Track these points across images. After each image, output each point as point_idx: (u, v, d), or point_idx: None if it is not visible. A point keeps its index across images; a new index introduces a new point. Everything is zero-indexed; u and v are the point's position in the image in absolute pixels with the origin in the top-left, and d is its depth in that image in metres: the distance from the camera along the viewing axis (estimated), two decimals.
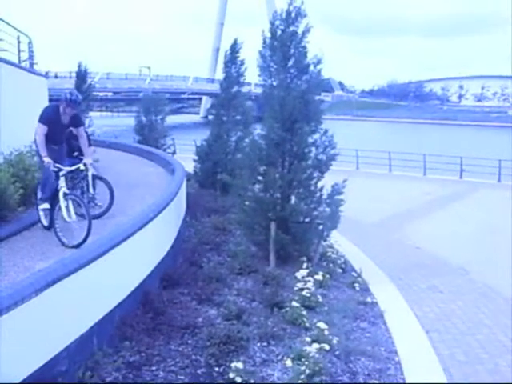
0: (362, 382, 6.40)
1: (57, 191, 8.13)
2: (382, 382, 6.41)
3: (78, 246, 7.56)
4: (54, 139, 8.40)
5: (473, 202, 21.21)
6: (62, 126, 8.50)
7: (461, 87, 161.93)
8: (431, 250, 13.28)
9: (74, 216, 7.90)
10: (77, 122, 8.70)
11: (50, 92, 16.42)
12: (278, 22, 10.62)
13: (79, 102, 8.54)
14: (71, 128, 8.82)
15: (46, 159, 7.99)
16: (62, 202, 7.96)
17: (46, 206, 8.41)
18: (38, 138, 8.16)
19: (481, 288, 10.56)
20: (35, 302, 4.78)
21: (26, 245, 7.83)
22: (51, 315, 5.09)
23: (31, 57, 16.51)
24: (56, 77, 64.82)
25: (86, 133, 11.05)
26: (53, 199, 8.25)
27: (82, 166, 8.43)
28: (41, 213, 8.72)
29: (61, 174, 8.14)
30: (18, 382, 4.55)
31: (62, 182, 8.12)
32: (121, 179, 7.95)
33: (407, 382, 6.48)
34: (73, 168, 8.40)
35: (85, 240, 7.60)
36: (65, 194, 8.02)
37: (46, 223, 8.64)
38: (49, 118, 8.32)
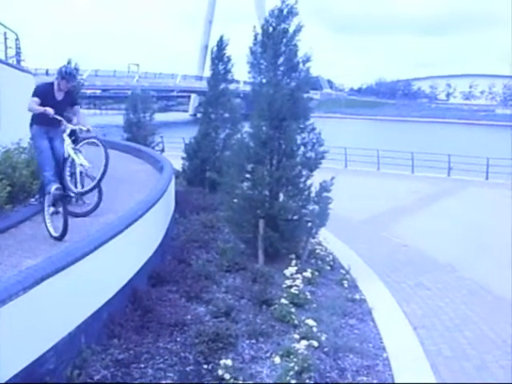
0: (350, 378, 6.42)
1: (63, 159, 7.95)
2: (370, 379, 6.43)
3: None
4: (48, 123, 8.06)
5: (461, 199, 21.31)
6: (57, 103, 8.08)
7: (449, 85, 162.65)
8: (419, 248, 13.34)
9: (86, 162, 7.77)
10: (72, 99, 8.43)
11: None
12: (270, 20, 10.62)
13: (74, 75, 8.31)
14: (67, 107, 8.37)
15: (48, 109, 7.74)
16: (75, 156, 7.80)
17: (57, 185, 7.81)
18: (32, 107, 7.90)
19: (468, 285, 10.62)
20: (22, 300, 4.75)
21: (13, 242, 7.77)
22: (39, 313, 5.06)
23: (18, 53, 16.39)
24: (47, 74, 64.21)
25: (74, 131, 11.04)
26: (60, 174, 7.97)
27: (84, 128, 8.08)
28: (47, 219, 8.01)
29: (65, 134, 7.97)
30: (3, 382, 4.52)
31: (67, 140, 7.91)
32: (109, 177, 7.87)
33: (395, 377, 6.51)
34: (76, 127, 8.09)
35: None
36: (73, 148, 7.85)
37: (53, 232, 7.83)
38: (42, 91, 8.06)
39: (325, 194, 10.59)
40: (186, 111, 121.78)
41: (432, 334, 8.14)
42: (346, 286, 9.80)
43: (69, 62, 26.94)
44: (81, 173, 8.03)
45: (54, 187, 7.80)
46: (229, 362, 6.13)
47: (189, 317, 7.50)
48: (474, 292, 10.23)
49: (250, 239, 10.75)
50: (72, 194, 8.10)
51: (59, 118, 7.98)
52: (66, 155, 8.00)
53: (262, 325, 7.40)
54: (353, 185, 21.77)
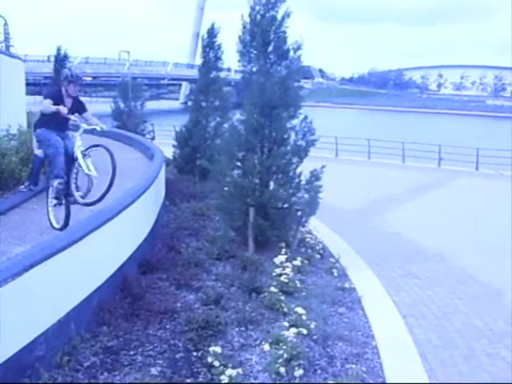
0: (339, 366, 6.46)
1: (72, 158, 7.89)
2: (359, 366, 6.47)
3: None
4: (57, 127, 8.03)
5: (451, 189, 21.39)
6: (67, 109, 7.97)
7: (440, 76, 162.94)
8: (409, 237, 13.39)
9: (94, 170, 7.70)
10: (81, 105, 8.31)
11: (27, 76, 16.22)
12: (257, 7, 10.57)
13: (80, 77, 8.21)
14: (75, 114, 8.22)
15: (62, 108, 7.68)
16: (83, 162, 7.72)
17: (60, 180, 7.94)
18: (46, 106, 7.80)
19: (458, 274, 10.67)
20: (12, 287, 4.73)
21: (2, 230, 7.75)
22: (28, 300, 5.05)
23: (7, 39, 16.28)
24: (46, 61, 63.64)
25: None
26: (68, 170, 7.98)
27: (98, 128, 8.04)
28: (50, 211, 8.16)
29: (77, 134, 7.91)
30: None
31: (78, 142, 7.85)
32: (99, 164, 7.85)
33: (384, 365, 6.55)
34: (90, 127, 8.05)
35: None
36: (82, 152, 7.79)
37: (55, 223, 8.02)
38: (54, 94, 7.99)
39: (315, 183, 10.60)
40: (177, 99, 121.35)
41: (421, 322, 8.18)
42: (335, 274, 9.82)
43: (58, 49, 26.83)
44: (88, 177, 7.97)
45: (57, 181, 7.90)
46: (218, 350, 6.14)
47: (178, 304, 7.51)
48: (462, 281, 10.29)
49: (240, 227, 10.75)
50: (79, 200, 8.01)
51: (73, 117, 7.91)
52: (75, 156, 7.91)
53: (251, 312, 7.41)
54: (344, 174, 21.81)
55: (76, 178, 8.03)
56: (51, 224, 7.94)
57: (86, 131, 8.11)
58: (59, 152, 7.91)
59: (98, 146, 8.01)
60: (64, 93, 8.03)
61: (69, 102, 8.05)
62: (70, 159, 7.96)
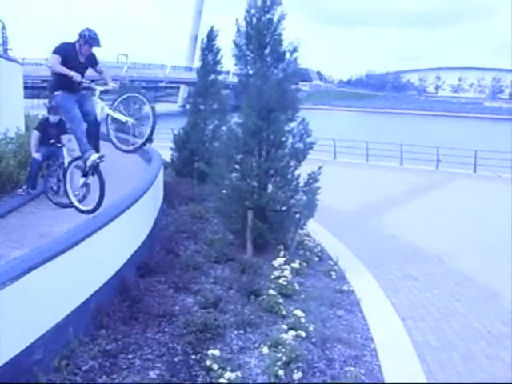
0: (337, 368, 6.45)
1: (96, 124, 7.62)
2: (358, 369, 6.46)
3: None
4: (72, 87, 7.41)
5: (449, 191, 21.39)
6: (79, 64, 7.48)
7: (438, 78, 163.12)
8: (407, 239, 13.37)
9: (129, 118, 7.51)
10: (94, 60, 7.78)
11: (25, 79, 16.21)
12: (253, 11, 10.58)
13: (98, 40, 7.56)
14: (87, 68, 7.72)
15: (74, 74, 7.15)
16: (118, 115, 7.50)
17: (97, 153, 7.55)
18: (55, 65, 7.25)
19: (456, 276, 10.67)
20: (10, 290, 4.73)
21: (1, 233, 7.77)
22: (26, 303, 5.05)
23: (5, 42, 16.25)
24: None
25: (63, 121, 10.97)
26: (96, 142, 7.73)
27: (110, 86, 7.70)
28: (74, 195, 7.97)
29: (96, 96, 7.58)
30: None
31: (100, 102, 7.55)
32: None
33: (383, 368, 6.55)
34: (104, 88, 7.67)
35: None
36: (110, 106, 7.53)
37: (82, 206, 7.86)
38: (64, 50, 7.39)
39: (313, 185, 10.61)
40: (175, 102, 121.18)
41: (419, 324, 8.18)
42: (334, 276, 9.82)
43: None
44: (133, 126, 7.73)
45: (95, 155, 7.46)
46: (217, 353, 6.14)
47: (177, 307, 7.51)
48: (460, 283, 10.28)
49: (238, 230, 10.75)
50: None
51: (87, 82, 7.47)
52: (98, 118, 7.62)
53: (250, 315, 7.41)
54: (342, 176, 21.80)
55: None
56: (78, 208, 7.80)
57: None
58: (81, 123, 7.51)
59: (127, 95, 7.84)
60: (78, 48, 7.47)
61: (82, 57, 7.52)
62: (93, 126, 7.65)
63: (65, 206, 9.47)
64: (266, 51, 10.58)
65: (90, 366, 5.73)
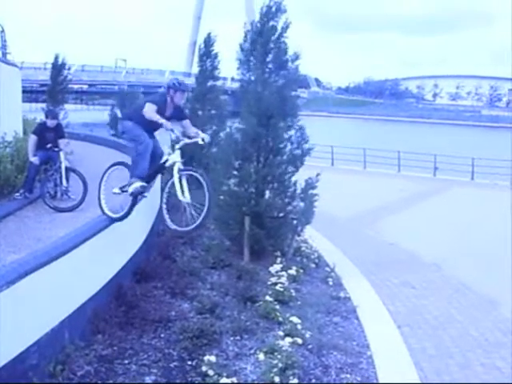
0: (333, 375, 6.44)
1: (162, 166, 7.52)
2: (354, 376, 6.45)
3: None
4: (149, 129, 7.58)
5: (447, 199, 21.41)
6: (167, 116, 7.59)
7: (436, 86, 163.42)
8: (405, 246, 13.38)
9: (188, 196, 7.12)
10: (181, 113, 7.98)
11: (23, 83, 16.20)
12: (258, 17, 10.63)
13: (186, 85, 7.78)
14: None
15: (166, 122, 7.17)
16: (176, 179, 7.20)
17: (141, 183, 7.45)
18: (151, 113, 7.31)
19: (453, 284, 10.67)
20: (6, 295, 4.72)
21: None
22: (22, 308, 5.03)
23: (4, 46, 16.26)
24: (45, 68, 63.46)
25: (61, 125, 10.97)
26: (151, 176, 7.69)
27: (200, 141, 7.58)
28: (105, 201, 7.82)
29: (177, 146, 7.48)
30: None
31: (177, 156, 7.36)
32: (94, 172, 7.84)
33: (379, 375, 6.53)
34: (192, 141, 7.62)
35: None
36: (180, 170, 7.25)
37: (111, 213, 7.67)
38: (160, 101, 7.53)
39: (310, 192, 10.61)
40: None
41: (416, 332, 8.17)
42: (330, 283, 9.82)
43: (56, 57, 26.90)
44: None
45: (139, 184, 7.42)
46: (213, 359, 6.13)
47: (173, 313, 7.49)
48: (458, 290, 10.29)
49: (235, 236, 10.74)
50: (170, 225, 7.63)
51: (175, 132, 7.47)
52: (167, 164, 7.49)
53: (246, 321, 7.40)
54: (339, 183, 21.81)
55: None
56: (108, 215, 7.67)
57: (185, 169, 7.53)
58: (148, 151, 7.46)
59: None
60: (168, 101, 7.62)
61: (170, 109, 7.66)
62: (157, 164, 7.60)
63: (61, 210, 9.48)
64: (269, 58, 10.60)
65: (86, 371, 5.70)
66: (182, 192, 7.12)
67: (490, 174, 25.61)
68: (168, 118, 7.46)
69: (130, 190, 7.43)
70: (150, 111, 7.29)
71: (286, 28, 10.58)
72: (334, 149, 30.82)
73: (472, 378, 6.80)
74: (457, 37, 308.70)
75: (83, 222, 7.78)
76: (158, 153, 7.66)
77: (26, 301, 5.12)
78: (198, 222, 7.05)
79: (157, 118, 7.20)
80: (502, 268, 11.42)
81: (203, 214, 6.97)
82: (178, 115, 7.83)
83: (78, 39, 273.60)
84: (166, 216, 7.57)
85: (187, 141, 7.59)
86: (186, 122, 7.96)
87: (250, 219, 10.29)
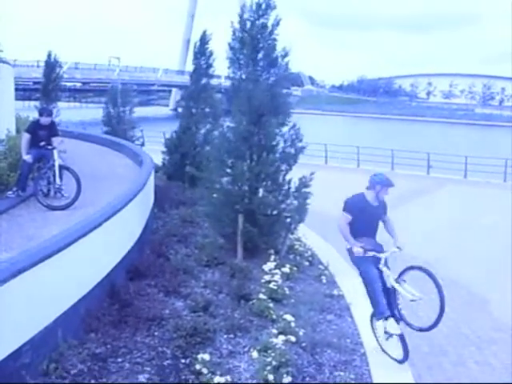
0: (327, 373, 6.46)
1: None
2: (347, 374, 6.47)
3: None
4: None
5: (440, 197, 21.46)
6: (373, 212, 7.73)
7: (429, 84, 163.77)
8: (398, 245, 13.35)
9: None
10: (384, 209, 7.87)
11: (16, 81, 16.13)
12: (247, 15, 10.58)
13: (391, 182, 7.60)
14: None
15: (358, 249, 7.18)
16: (403, 290, 7.23)
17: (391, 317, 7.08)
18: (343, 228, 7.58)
19: (446, 282, 10.67)
20: None
21: None
22: (15, 306, 5.02)
23: None
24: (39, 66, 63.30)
25: (54, 123, 10.94)
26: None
27: (396, 249, 7.58)
28: None
29: (381, 263, 7.42)
30: None
31: (388, 273, 7.38)
32: (88, 170, 7.84)
33: (372, 373, 6.55)
34: (393, 250, 7.61)
35: None
36: (398, 281, 7.33)
37: None
38: (355, 206, 7.72)
39: (304, 190, 10.61)
40: (167, 106, 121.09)
41: (409, 329, 8.17)
42: (324, 281, 9.83)
43: (49, 55, 26.79)
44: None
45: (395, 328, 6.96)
46: (206, 357, 6.13)
47: (167, 311, 7.49)
48: (450, 289, 10.29)
49: (229, 234, 10.74)
50: None
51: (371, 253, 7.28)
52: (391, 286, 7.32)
53: (240, 319, 7.40)
54: (333, 181, 21.81)
55: None
56: None
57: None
58: (377, 282, 7.26)
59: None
60: (372, 197, 7.68)
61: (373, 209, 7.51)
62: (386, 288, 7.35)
63: (54, 209, 9.46)
64: (259, 56, 10.58)
65: (79, 369, 5.69)
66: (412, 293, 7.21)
67: (482, 172, 25.67)
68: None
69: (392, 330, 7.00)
70: (344, 226, 7.54)
71: (276, 25, 10.56)
72: (328, 147, 30.82)
73: (465, 375, 6.83)
74: (450, 35, 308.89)
75: (76, 220, 7.76)
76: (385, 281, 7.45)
77: (20, 299, 5.10)
78: None
79: (356, 247, 7.35)
80: (494, 266, 11.46)
81: None
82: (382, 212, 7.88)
83: (72, 37, 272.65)
84: None
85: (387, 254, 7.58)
86: (390, 224, 8.12)
87: (244, 217, 10.29)
